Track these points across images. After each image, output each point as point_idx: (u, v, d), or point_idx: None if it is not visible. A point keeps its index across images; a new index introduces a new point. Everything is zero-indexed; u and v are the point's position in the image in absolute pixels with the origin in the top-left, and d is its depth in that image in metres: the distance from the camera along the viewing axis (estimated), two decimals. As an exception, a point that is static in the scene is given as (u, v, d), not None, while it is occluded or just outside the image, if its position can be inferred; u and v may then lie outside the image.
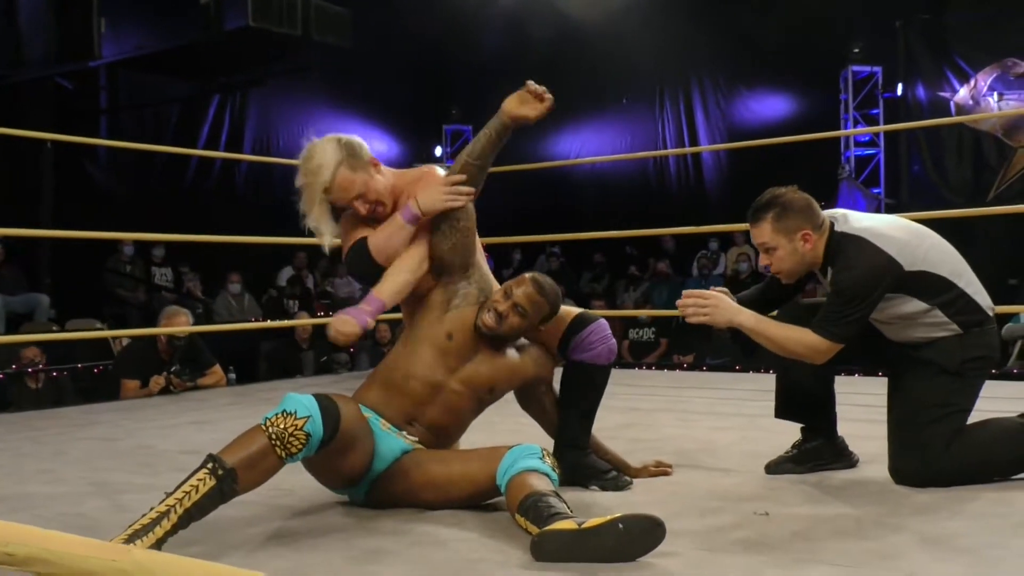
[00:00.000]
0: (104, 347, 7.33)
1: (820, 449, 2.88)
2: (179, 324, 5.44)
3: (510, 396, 2.72)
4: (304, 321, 7.82)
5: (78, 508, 2.54)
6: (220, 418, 4.35)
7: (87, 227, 5.16)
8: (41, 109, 10.34)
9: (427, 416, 2.46)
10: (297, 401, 2.12)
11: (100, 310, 8.88)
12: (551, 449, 2.58)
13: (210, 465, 2.02)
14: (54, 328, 7.69)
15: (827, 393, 2.89)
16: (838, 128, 10.32)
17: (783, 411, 2.92)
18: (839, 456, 2.91)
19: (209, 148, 11.19)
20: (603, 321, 2.68)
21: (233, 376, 7.19)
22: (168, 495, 1.98)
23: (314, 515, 2.40)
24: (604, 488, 2.64)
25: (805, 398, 2.87)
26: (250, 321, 8.81)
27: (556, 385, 2.76)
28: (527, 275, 2.57)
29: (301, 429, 2.08)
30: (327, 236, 2.57)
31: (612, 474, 2.68)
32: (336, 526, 2.29)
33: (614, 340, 2.70)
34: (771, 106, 11.34)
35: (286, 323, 8.22)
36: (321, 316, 8.33)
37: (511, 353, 2.58)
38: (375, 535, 2.19)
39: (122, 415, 4.51)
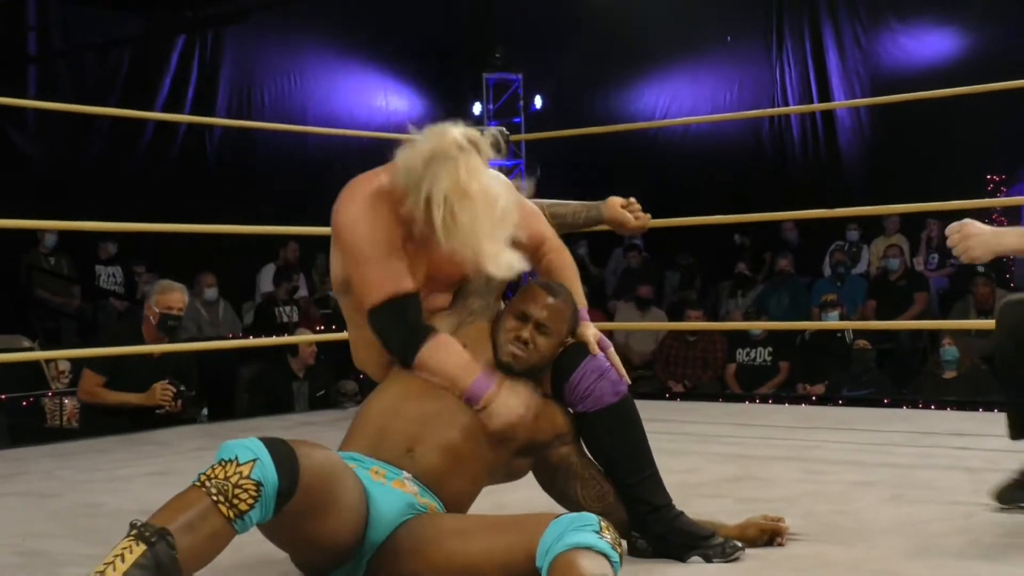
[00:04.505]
0: (35, 373, 7.46)
1: None
2: (174, 302, 5.69)
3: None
4: (305, 338, 7.89)
5: (4, 585, 2.60)
6: (187, 468, 4.36)
7: (10, 212, 5.25)
8: (-50, 57, 10.58)
9: (435, 438, 2.53)
10: (237, 446, 2.13)
11: (28, 323, 9.03)
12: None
13: (135, 531, 2.02)
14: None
15: None
16: (1029, 74, 10.17)
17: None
18: None
19: (171, 108, 11.32)
20: (590, 356, 2.71)
21: (205, 412, 7.28)
22: None
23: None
24: (709, 559, 2.67)
25: None
26: (227, 338, 8.90)
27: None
28: (526, 285, 2.73)
29: (247, 477, 2.08)
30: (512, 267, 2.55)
31: (717, 539, 2.70)
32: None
33: (609, 365, 2.72)
34: (933, 44, 11.19)
35: (276, 340, 8.28)
36: (321, 331, 8.38)
37: (534, 389, 2.69)
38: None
39: (60, 462, 4.59)
